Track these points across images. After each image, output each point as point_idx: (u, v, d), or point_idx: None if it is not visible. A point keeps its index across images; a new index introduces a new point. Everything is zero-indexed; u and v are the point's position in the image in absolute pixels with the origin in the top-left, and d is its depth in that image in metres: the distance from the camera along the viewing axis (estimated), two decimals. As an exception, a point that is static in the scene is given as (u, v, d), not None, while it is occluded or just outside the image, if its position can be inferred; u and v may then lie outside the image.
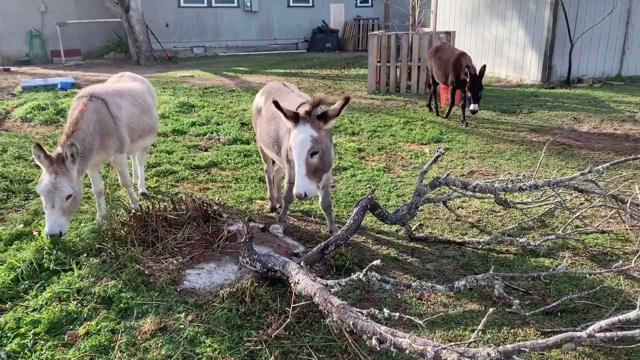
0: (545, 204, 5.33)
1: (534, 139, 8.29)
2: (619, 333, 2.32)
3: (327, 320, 2.98)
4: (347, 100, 3.75)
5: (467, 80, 8.32)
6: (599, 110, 10.24)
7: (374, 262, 3.04)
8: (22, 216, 5.19)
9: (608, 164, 4.67)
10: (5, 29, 17.77)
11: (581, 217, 5.09)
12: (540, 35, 12.77)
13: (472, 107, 8.38)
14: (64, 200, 4.08)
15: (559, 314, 3.63)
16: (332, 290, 3.12)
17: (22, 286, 3.85)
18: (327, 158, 3.86)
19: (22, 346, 3.21)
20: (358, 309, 2.85)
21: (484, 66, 8.33)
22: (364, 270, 3.07)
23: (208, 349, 3.15)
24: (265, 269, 3.71)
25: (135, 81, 5.69)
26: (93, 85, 5.15)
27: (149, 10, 18.86)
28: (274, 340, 3.20)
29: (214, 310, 3.49)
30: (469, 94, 8.44)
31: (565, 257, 4.19)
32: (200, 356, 3.11)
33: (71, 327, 3.40)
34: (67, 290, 3.72)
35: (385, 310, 2.76)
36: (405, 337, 2.55)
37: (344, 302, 2.93)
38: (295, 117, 3.78)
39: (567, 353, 3.18)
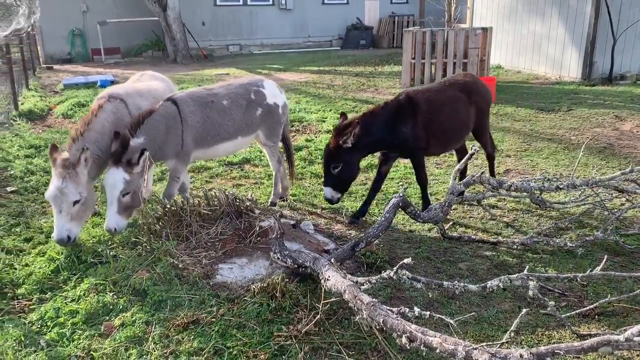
0: (584, 204, 5.18)
1: (572, 137, 8.07)
2: (659, 338, 2.24)
3: (357, 317, 2.98)
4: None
5: None
6: (643, 108, 9.88)
7: (405, 260, 3.01)
8: (63, 209, 5.34)
9: (651, 163, 4.51)
10: (48, 28, 18.39)
11: (621, 218, 4.93)
12: (581, 31, 12.40)
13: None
14: (70, 205, 4.09)
15: (597, 316, 3.53)
16: (362, 287, 3.10)
17: (62, 277, 3.99)
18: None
19: (61, 335, 3.32)
20: (388, 307, 2.83)
21: (342, 114, 5.07)
22: (395, 268, 3.05)
23: (239, 343, 3.19)
24: (296, 265, 3.73)
25: (156, 80, 5.57)
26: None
27: (186, 9, 19.17)
28: (303, 336, 3.21)
29: (245, 304, 3.52)
30: None
31: (604, 259, 4.06)
32: (231, 350, 3.14)
33: (107, 317, 3.50)
34: (104, 281, 3.82)
35: (416, 309, 2.73)
36: (435, 336, 2.52)
37: (374, 299, 2.92)
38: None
39: (604, 357, 3.09)
